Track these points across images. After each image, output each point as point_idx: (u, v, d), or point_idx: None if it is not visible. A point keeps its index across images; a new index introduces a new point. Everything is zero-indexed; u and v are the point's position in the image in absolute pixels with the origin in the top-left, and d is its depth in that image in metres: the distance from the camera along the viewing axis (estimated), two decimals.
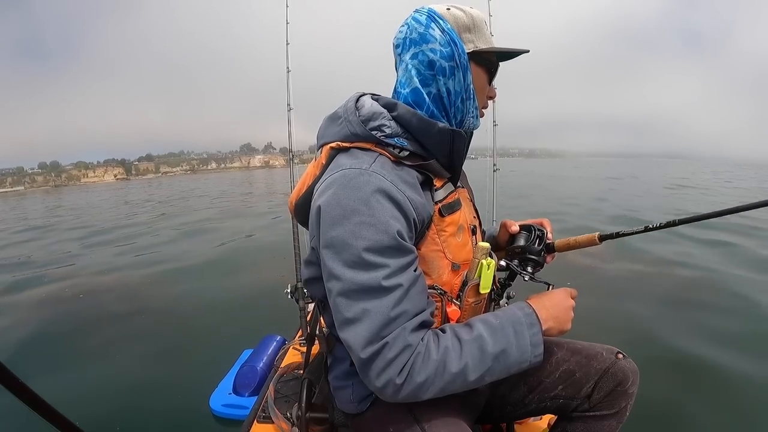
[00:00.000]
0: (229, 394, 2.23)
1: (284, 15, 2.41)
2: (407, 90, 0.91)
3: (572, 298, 0.95)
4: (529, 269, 1.05)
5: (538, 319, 0.86)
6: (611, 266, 5.06)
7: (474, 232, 1.00)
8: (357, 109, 0.92)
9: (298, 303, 2.22)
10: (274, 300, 3.27)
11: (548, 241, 1.10)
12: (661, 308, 3.82)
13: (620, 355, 1.02)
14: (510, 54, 0.96)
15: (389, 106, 0.90)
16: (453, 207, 0.93)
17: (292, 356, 2.01)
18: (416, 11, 0.93)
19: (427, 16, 0.90)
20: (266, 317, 3.55)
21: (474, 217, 1.06)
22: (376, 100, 0.93)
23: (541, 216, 1.20)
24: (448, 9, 0.90)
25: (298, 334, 2.22)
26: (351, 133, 0.89)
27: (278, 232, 8.03)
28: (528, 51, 0.95)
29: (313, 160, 0.98)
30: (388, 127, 0.88)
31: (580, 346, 1.07)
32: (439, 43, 0.88)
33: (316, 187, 0.89)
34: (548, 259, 1.10)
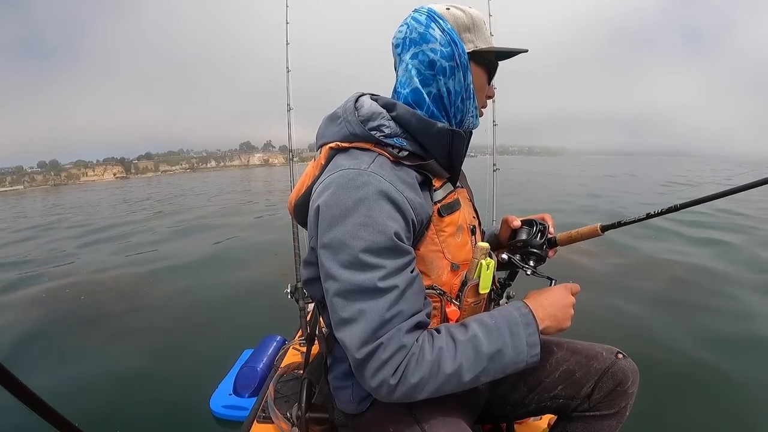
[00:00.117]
0: (230, 395, 2.23)
1: (284, 14, 2.40)
2: (407, 90, 0.91)
3: (573, 294, 0.95)
4: (531, 263, 1.04)
5: (535, 319, 0.85)
6: (606, 265, 5.08)
7: (473, 232, 1.00)
8: (356, 109, 0.92)
9: (298, 303, 2.23)
10: (274, 299, 3.27)
11: (550, 236, 1.09)
12: (660, 307, 3.84)
13: (620, 355, 1.02)
14: (509, 54, 0.96)
15: (388, 106, 0.90)
16: (452, 207, 0.93)
17: (292, 356, 2.01)
18: (416, 11, 0.92)
19: (427, 15, 0.90)
20: (266, 317, 3.55)
21: (473, 217, 1.06)
22: (376, 100, 0.93)
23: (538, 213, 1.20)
24: (448, 9, 0.90)
25: (298, 334, 2.22)
26: (350, 133, 0.89)
27: (276, 231, 8.04)
28: (527, 51, 0.95)
29: (313, 160, 0.98)
30: (387, 127, 0.88)
31: (580, 346, 1.07)
32: (440, 43, 0.88)
33: (314, 188, 0.89)
34: (550, 253, 1.10)
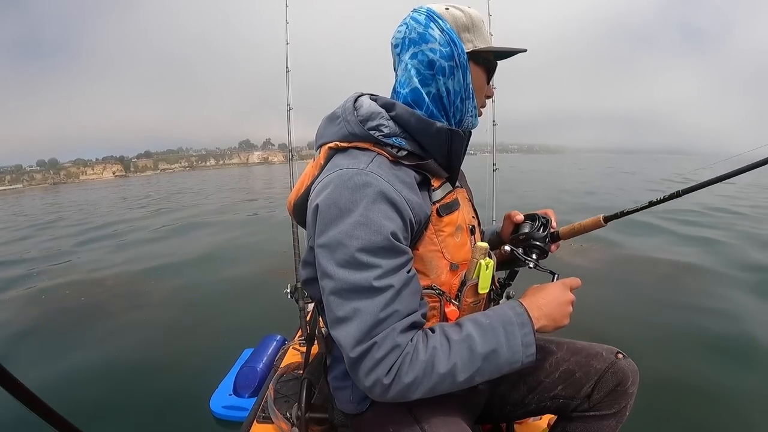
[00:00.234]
0: (230, 395, 2.23)
1: (284, 14, 2.40)
2: (406, 90, 0.91)
3: (572, 290, 0.94)
4: (534, 257, 1.04)
5: (530, 319, 0.84)
6: (602, 263, 5.09)
7: (473, 232, 1.00)
8: (355, 109, 0.92)
9: (297, 303, 2.22)
10: (274, 298, 3.27)
11: (552, 230, 1.09)
12: (659, 306, 3.84)
13: (620, 355, 1.02)
14: (508, 53, 0.96)
15: (387, 106, 0.91)
16: (451, 207, 0.93)
17: (292, 356, 2.01)
18: (415, 11, 0.92)
19: (426, 15, 0.90)
20: (266, 316, 3.55)
21: (473, 217, 1.06)
22: (375, 100, 0.93)
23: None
24: (447, 9, 0.90)
25: (298, 334, 2.22)
26: (349, 133, 0.89)
27: (274, 229, 8.05)
28: (525, 50, 0.95)
29: (312, 159, 0.98)
30: (386, 126, 0.89)
31: (580, 346, 1.07)
32: (439, 43, 0.88)
33: (313, 187, 0.89)
34: (553, 247, 1.10)
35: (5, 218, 16.53)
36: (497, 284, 1.13)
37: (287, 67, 2.39)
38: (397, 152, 0.88)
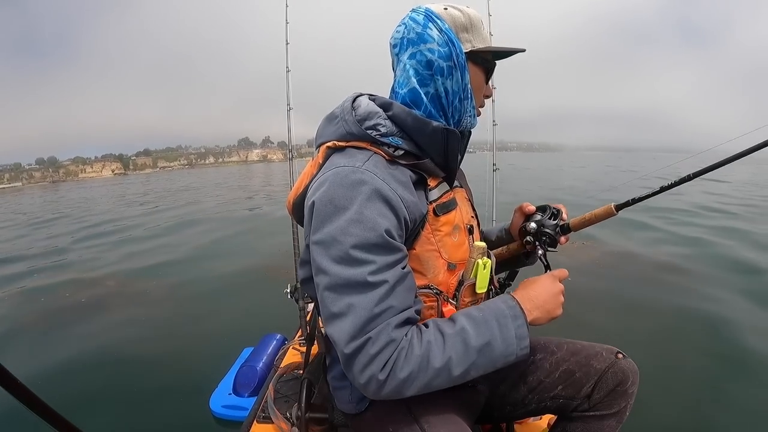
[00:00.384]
0: (229, 394, 2.23)
1: (284, 13, 2.39)
2: (405, 90, 0.92)
3: (561, 280, 0.95)
4: (544, 245, 1.05)
5: (523, 311, 0.84)
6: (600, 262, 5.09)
7: (471, 232, 1.00)
8: (353, 108, 0.92)
9: (297, 303, 2.22)
10: (274, 298, 3.26)
11: (563, 223, 1.09)
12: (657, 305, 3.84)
13: (620, 355, 1.02)
14: (507, 53, 0.97)
15: (385, 106, 0.91)
16: (448, 207, 0.93)
17: (292, 356, 2.01)
18: (413, 11, 0.93)
19: (425, 15, 0.90)
20: (266, 315, 3.55)
21: (472, 216, 1.07)
22: (373, 100, 0.94)
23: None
24: (446, 9, 0.90)
25: (298, 334, 2.22)
26: (347, 132, 0.90)
27: (275, 228, 8.02)
28: (524, 50, 0.96)
29: (311, 159, 0.98)
30: (383, 126, 0.89)
31: (580, 346, 1.07)
32: (437, 43, 0.88)
33: (310, 185, 0.89)
34: (562, 239, 1.09)
35: (4, 217, 16.50)
36: (497, 284, 1.12)
37: (287, 67, 2.38)
38: (393, 151, 0.88)
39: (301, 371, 1.38)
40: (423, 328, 0.82)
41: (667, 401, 2.33)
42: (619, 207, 1.06)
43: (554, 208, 1.10)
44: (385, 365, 0.76)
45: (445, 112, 0.92)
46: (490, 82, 1.00)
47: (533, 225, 1.07)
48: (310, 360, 1.27)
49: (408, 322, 0.81)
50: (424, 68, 0.90)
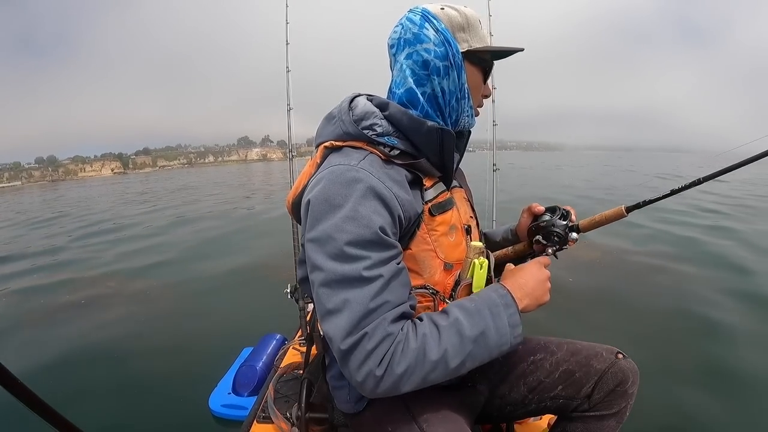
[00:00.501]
0: (229, 394, 2.23)
1: (284, 13, 2.39)
2: (402, 90, 0.93)
3: (546, 267, 0.95)
4: (554, 245, 1.05)
5: (514, 300, 0.84)
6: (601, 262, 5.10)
7: (468, 232, 1.00)
8: (351, 109, 0.93)
9: (297, 303, 2.22)
10: (273, 298, 3.26)
11: (572, 224, 1.08)
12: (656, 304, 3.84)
13: (620, 355, 1.02)
14: (505, 53, 0.97)
15: (382, 106, 0.92)
16: (444, 206, 0.93)
17: (292, 356, 2.01)
18: (410, 11, 0.93)
19: (421, 16, 0.90)
20: (266, 315, 3.55)
21: (470, 217, 1.07)
22: (370, 100, 0.95)
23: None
24: (442, 8, 0.91)
25: (298, 334, 2.22)
26: (344, 132, 0.91)
27: (274, 228, 8.04)
28: (522, 49, 0.95)
29: (310, 158, 0.99)
30: (380, 126, 0.90)
31: (580, 346, 1.07)
32: (434, 43, 0.89)
33: (308, 185, 0.90)
34: (570, 242, 1.08)
35: (3, 216, 16.48)
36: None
37: (287, 67, 2.38)
38: (389, 151, 0.89)
39: (301, 371, 1.38)
40: (417, 321, 0.82)
41: (667, 401, 2.33)
42: (630, 209, 1.05)
43: (564, 209, 1.10)
44: (382, 360, 0.75)
45: (442, 112, 0.92)
46: (489, 82, 1.00)
47: (543, 224, 1.06)
48: (310, 360, 1.27)
49: (403, 316, 0.81)
50: (420, 68, 0.90)
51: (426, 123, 0.90)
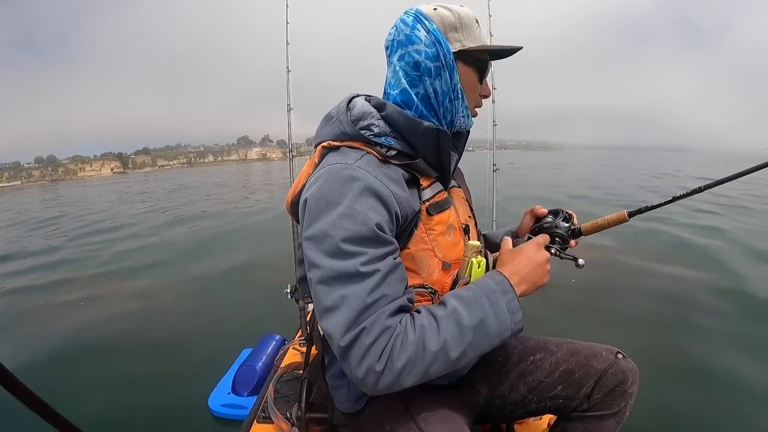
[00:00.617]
0: (228, 393, 2.23)
1: (284, 13, 2.39)
2: (396, 91, 0.93)
3: (545, 247, 0.94)
4: (557, 245, 1.04)
5: (511, 285, 0.84)
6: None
7: (467, 232, 1.01)
8: (349, 109, 0.94)
9: (297, 303, 2.22)
10: (273, 299, 3.26)
11: (574, 227, 1.08)
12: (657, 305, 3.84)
13: (620, 355, 1.02)
14: (503, 53, 0.96)
15: (379, 106, 0.92)
16: (441, 206, 0.93)
17: (292, 356, 2.01)
18: (405, 12, 0.93)
19: (414, 17, 0.91)
20: (266, 316, 3.54)
21: (469, 216, 1.07)
22: (368, 101, 0.95)
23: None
24: (435, 9, 0.91)
25: (298, 334, 2.22)
26: (341, 132, 0.92)
27: (273, 227, 8.04)
28: (520, 48, 0.95)
29: (309, 158, 1.00)
30: (377, 126, 0.90)
31: (580, 346, 1.07)
32: (424, 44, 0.89)
33: (306, 184, 0.90)
34: (572, 242, 1.08)
35: (3, 215, 16.47)
36: None
37: (287, 67, 2.38)
38: (386, 152, 0.89)
39: (301, 371, 1.38)
40: (415, 314, 0.82)
41: (667, 401, 2.33)
42: (632, 214, 1.05)
43: (566, 212, 1.10)
44: (381, 355, 0.75)
45: (436, 112, 0.92)
46: (488, 82, 0.99)
47: (546, 226, 1.07)
48: (310, 360, 1.27)
49: (401, 309, 0.81)
50: (412, 69, 0.90)
51: (422, 123, 0.90)
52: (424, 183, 0.92)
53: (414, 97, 0.91)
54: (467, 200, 1.10)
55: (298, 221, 0.99)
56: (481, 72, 0.95)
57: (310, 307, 2.01)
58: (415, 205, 0.88)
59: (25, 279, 5.74)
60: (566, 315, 3.32)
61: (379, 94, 0.99)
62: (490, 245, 1.21)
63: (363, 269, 0.77)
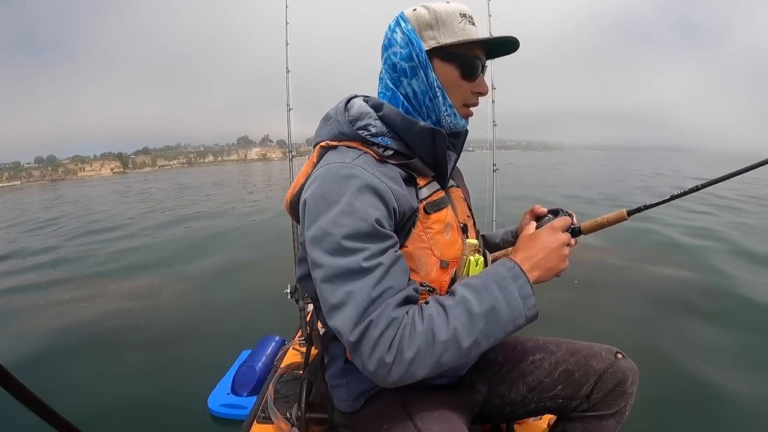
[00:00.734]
0: (228, 394, 2.24)
1: (284, 14, 2.39)
2: (385, 92, 0.95)
3: (565, 230, 0.92)
4: None
5: (523, 271, 0.83)
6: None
7: (465, 231, 1.01)
8: (347, 109, 0.95)
9: (297, 303, 2.22)
10: (273, 300, 3.26)
11: (574, 226, 1.09)
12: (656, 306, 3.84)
13: (620, 355, 1.02)
14: (500, 49, 0.96)
15: (377, 107, 0.93)
16: (438, 205, 0.93)
17: (292, 356, 2.01)
18: (394, 18, 0.95)
19: (396, 20, 0.93)
20: (265, 317, 3.54)
21: (467, 216, 1.07)
22: (366, 102, 0.96)
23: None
24: (415, 9, 0.92)
25: (298, 335, 2.21)
26: (339, 132, 0.93)
27: (272, 227, 8.04)
28: (510, 39, 0.93)
29: (308, 158, 1.00)
30: (374, 126, 0.91)
31: (580, 346, 1.07)
32: (400, 46, 0.91)
33: (305, 184, 0.91)
34: (572, 242, 1.07)
35: (2, 215, 16.47)
36: None
37: (287, 68, 2.38)
38: (383, 152, 0.90)
39: (301, 371, 1.38)
40: (424, 305, 0.82)
41: (666, 401, 2.34)
42: (631, 213, 1.04)
43: (566, 212, 1.10)
44: (390, 346, 0.75)
45: (420, 112, 0.93)
46: (484, 80, 0.96)
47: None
48: (310, 360, 1.27)
49: (407, 300, 0.81)
50: (392, 71, 0.93)
51: (418, 123, 0.90)
52: (420, 182, 0.93)
53: (400, 97, 0.93)
54: (466, 200, 1.10)
55: (297, 221, 0.99)
56: (465, 68, 0.92)
57: (310, 307, 2.01)
58: (413, 202, 0.88)
59: (24, 278, 5.74)
60: (566, 315, 3.31)
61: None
62: (490, 245, 1.21)
63: (366, 264, 0.77)
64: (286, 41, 2.41)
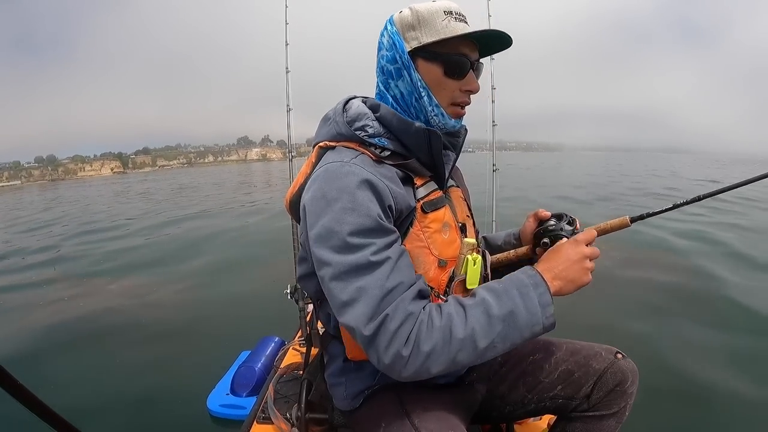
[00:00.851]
0: (227, 394, 2.24)
1: (284, 14, 2.38)
2: (378, 94, 0.97)
3: (588, 244, 0.92)
4: None
5: (544, 280, 0.83)
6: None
7: (463, 230, 1.01)
8: (345, 110, 0.96)
9: (297, 303, 2.22)
10: (272, 300, 3.26)
11: (577, 230, 1.08)
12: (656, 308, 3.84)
13: (619, 355, 1.03)
14: (493, 46, 0.96)
15: (374, 108, 0.94)
16: (436, 204, 0.93)
17: (292, 357, 2.01)
18: None
19: (385, 25, 0.94)
20: (265, 318, 3.54)
21: (467, 216, 1.07)
22: (365, 102, 0.97)
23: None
24: (401, 11, 0.92)
25: (298, 335, 2.21)
26: (337, 133, 0.94)
27: (272, 227, 8.05)
28: (487, 31, 0.91)
29: (307, 158, 1.00)
30: (371, 127, 0.92)
31: (580, 346, 1.08)
32: (386, 48, 0.92)
33: (305, 184, 0.91)
34: (596, 251, 1.09)
35: (2, 215, 16.47)
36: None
37: (287, 68, 2.38)
38: (380, 152, 0.90)
39: (301, 372, 1.38)
40: (443, 303, 0.82)
41: (666, 401, 2.34)
42: (634, 219, 1.05)
43: (569, 216, 1.10)
44: (407, 340, 0.75)
45: (409, 112, 0.94)
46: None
47: (551, 228, 1.06)
48: (310, 360, 1.27)
49: (421, 294, 0.82)
50: (382, 74, 0.95)
51: (414, 124, 0.91)
52: (417, 182, 0.93)
53: (390, 99, 0.94)
54: (465, 200, 1.10)
55: (297, 221, 0.99)
56: (448, 65, 0.90)
57: (310, 307, 2.01)
58: (410, 200, 0.89)
59: (23, 277, 5.74)
60: (566, 315, 3.30)
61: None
62: (492, 248, 1.21)
63: (374, 258, 0.78)
64: (286, 41, 2.41)
